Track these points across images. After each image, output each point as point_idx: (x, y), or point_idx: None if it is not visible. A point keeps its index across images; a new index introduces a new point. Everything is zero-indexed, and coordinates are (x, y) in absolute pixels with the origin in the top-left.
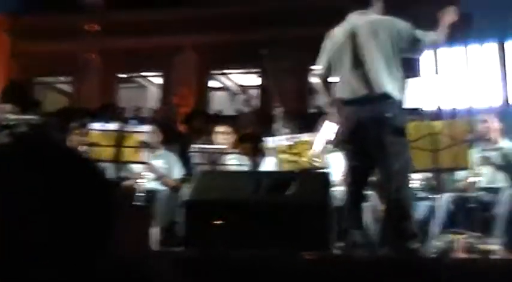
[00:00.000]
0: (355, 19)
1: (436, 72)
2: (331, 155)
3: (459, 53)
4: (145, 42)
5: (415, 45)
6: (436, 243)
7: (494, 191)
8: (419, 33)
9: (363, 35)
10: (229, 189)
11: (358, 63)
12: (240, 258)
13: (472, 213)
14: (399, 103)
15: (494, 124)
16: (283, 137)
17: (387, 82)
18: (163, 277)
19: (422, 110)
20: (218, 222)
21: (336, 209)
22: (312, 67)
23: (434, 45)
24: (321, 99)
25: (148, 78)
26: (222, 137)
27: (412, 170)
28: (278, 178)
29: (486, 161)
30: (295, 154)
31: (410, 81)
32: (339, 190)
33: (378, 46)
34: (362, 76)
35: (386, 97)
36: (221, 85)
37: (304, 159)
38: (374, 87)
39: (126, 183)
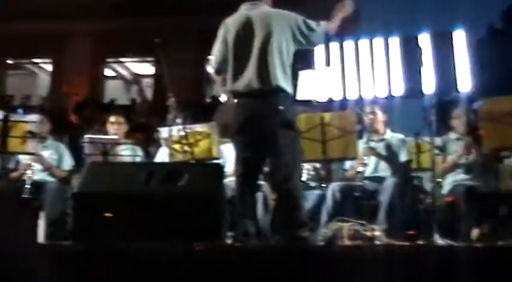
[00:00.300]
0: (248, 10)
1: (328, 65)
2: (225, 146)
3: (349, 47)
4: (36, 27)
5: (308, 37)
6: (324, 231)
7: (379, 180)
8: (312, 24)
9: (256, 27)
10: (120, 181)
11: (251, 55)
12: (130, 251)
13: (358, 201)
14: (291, 96)
15: (380, 116)
16: (177, 127)
17: (280, 75)
18: (46, 271)
19: (314, 102)
20: (108, 214)
21: (229, 200)
22: (209, 57)
23: (327, 37)
24: (217, 90)
25: (39, 65)
26: (114, 127)
27: (302, 160)
28: (170, 169)
29: (372, 151)
30: (188, 144)
31: (303, 74)
32: (232, 181)
33: (271, 38)
34: (255, 69)
35: (279, 90)
36: (116, 74)
37: (197, 149)
38: (267, 81)
39: (13, 174)
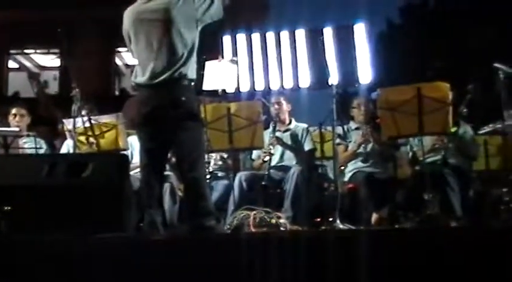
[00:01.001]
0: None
1: (235, 56)
2: (133, 138)
3: (257, 39)
4: None
5: (207, 10)
6: (231, 219)
7: (284, 168)
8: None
9: (157, 17)
10: (21, 173)
11: (153, 45)
12: (31, 243)
13: (264, 190)
14: (195, 86)
15: (285, 106)
16: (82, 118)
17: (184, 65)
18: None
19: (220, 92)
20: (7, 207)
21: (136, 191)
22: (118, 49)
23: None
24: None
25: None
26: (16, 119)
27: (209, 150)
28: (74, 160)
29: (277, 141)
30: (94, 136)
31: (210, 64)
32: (138, 171)
33: (172, 27)
34: (158, 59)
35: (182, 80)
36: (19, 65)
37: (103, 141)
38: (170, 71)
39: None
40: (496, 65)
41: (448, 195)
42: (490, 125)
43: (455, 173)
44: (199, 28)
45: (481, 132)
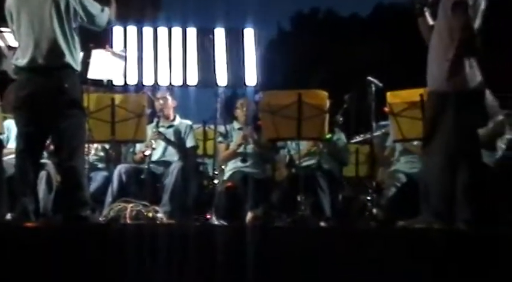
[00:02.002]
0: None
1: (125, 47)
2: (9, 121)
3: (148, 33)
4: None
5: (89, 18)
6: (107, 211)
7: (166, 164)
8: (93, 7)
9: (39, 2)
10: None
11: (35, 30)
12: None
13: (143, 184)
14: (77, 74)
15: (170, 102)
16: None
17: (66, 51)
18: None
19: (106, 82)
20: None
21: (10, 177)
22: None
23: (112, 21)
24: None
25: None
26: None
27: (88, 140)
28: None
29: (160, 136)
30: None
31: (96, 52)
32: (13, 158)
33: (55, 13)
34: (39, 44)
35: (64, 67)
36: None
37: None
38: (52, 57)
39: None
40: (369, 78)
41: (320, 197)
42: (361, 135)
43: (327, 177)
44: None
45: (353, 141)
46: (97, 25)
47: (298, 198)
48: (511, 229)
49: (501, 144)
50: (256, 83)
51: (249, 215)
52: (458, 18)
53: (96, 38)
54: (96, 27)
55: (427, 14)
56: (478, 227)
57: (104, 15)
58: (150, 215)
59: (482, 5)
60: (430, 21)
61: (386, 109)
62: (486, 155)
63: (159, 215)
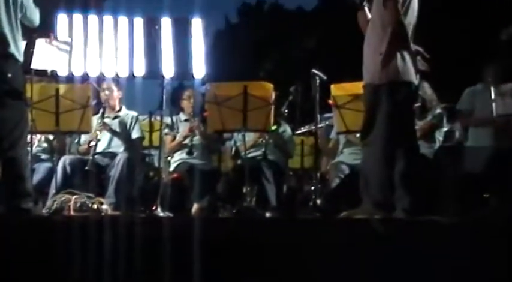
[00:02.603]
0: None
1: (70, 37)
2: None
3: (94, 22)
4: None
5: (29, 11)
6: (51, 203)
7: (111, 155)
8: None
9: None
10: None
11: None
12: None
13: (88, 175)
14: (20, 64)
15: (116, 92)
16: None
17: (10, 41)
18: None
19: (51, 72)
20: None
21: None
22: None
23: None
24: None
25: None
26: None
27: (32, 130)
28: None
29: (105, 127)
30: None
31: (40, 42)
32: None
33: (2, 4)
34: None
35: (7, 57)
36: None
37: None
38: None
39: None
40: (314, 70)
41: (265, 187)
42: (306, 127)
43: (272, 168)
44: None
45: (298, 132)
46: (32, 20)
47: (244, 189)
48: (448, 217)
49: (439, 137)
50: (204, 75)
51: (195, 207)
52: (389, 12)
53: (40, 27)
54: (30, 23)
55: (366, 8)
56: (415, 215)
57: (37, 12)
58: (95, 206)
59: (415, 2)
60: (368, 15)
61: (330, 101)
62: (425, 146)
63: (104, 206)
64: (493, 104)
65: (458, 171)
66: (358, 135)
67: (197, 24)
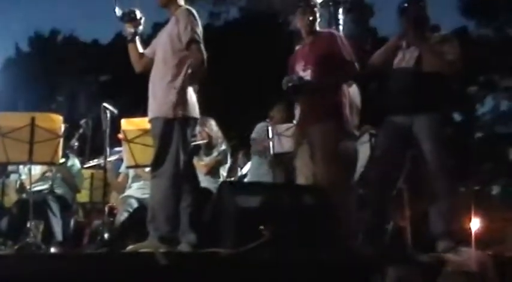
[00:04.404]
0: None
1: None
2: None
3: None
4: None
5: None
6: None
7: None
8: None
9: None
10: None
11: None
12: None
13: None
14: None
15: None
16: None
17: None
18: None
19: None
20: None
21: None
22: None
23: None
24: None
25: None
26: None
27: None
28: None
29: None
30: None
31: None
32: None
33: None
34: None
35: None
36: None
37: None
38: None
39: None
40: (104, 104)
41: (51, 222)
42: (96, 160)
43: (59, 202)
44: None
45: (87, 166)
46: None
47: (28, 225)
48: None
49: (223, 172)
50: None
51: None
52: (193, 55)
53: None
54: None
55: (138, 42)
56: (200, 248)
57: None
58: None
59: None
60: (140, 49)
61: (120, 135)
62: (210, 181)
63: None
64: (270, 143)
65: (239, 204)
66: (147, 169)
67: None
